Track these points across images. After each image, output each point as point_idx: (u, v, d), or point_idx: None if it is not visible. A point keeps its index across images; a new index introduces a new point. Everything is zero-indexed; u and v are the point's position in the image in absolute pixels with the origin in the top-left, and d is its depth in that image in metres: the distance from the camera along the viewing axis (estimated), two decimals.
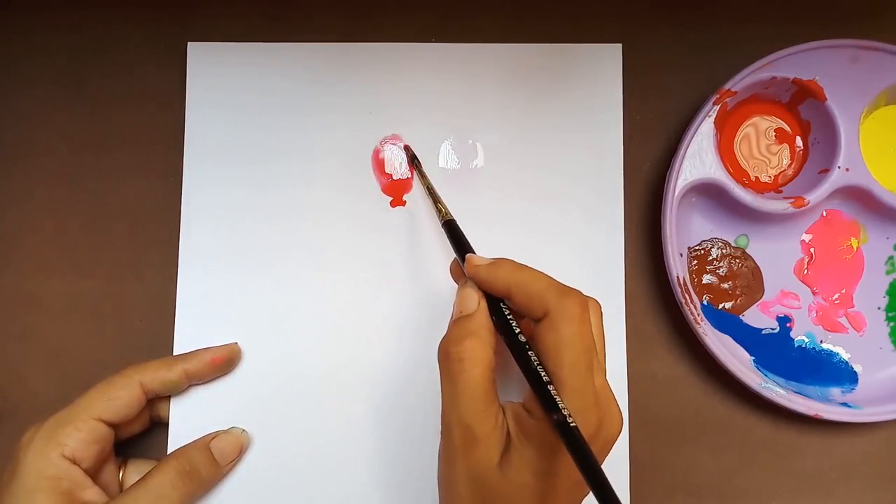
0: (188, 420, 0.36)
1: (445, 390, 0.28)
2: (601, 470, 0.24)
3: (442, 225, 0.34)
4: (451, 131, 0.39)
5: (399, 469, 0.37)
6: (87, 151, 0.40)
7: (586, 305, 0.28)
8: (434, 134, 0.39)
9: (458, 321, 0.29)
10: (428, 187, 0.37)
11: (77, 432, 0.32)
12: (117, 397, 0.33)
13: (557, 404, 0.25)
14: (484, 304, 0.29)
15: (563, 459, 0.26)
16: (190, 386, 0.36)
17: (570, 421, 0.25)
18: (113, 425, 0.33)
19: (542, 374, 0.27)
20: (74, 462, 0.32)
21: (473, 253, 0.31)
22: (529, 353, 0.27)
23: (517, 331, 0.28)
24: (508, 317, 0.29)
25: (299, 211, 0.39)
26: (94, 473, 0.33)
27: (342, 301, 0.38)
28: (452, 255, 0.32)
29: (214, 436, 0.35)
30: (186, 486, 0.33)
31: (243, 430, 0.36)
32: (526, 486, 0.27)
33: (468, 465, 0.27)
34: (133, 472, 0.35)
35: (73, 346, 0.39)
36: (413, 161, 0.39)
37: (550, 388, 0.26)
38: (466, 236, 0.33)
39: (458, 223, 0.34)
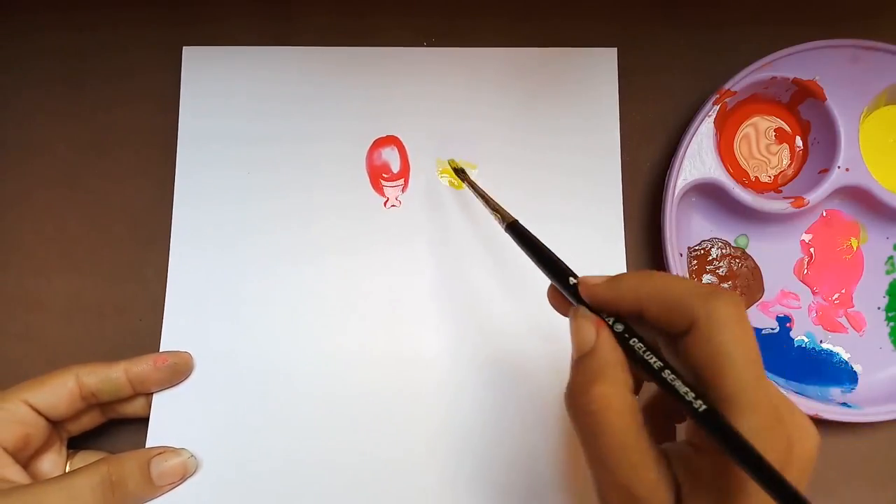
0: (170, 416, 0.35)
1: (586, 450, 0.23)
2: None
3: (505, 229, 0.30)
4: (448, 135, 0.39)
5: (387, 470, 0.36)
6: (87, 151, 0.40)
7: (741, 304, 0.23)
8: (432, 137, 0.39)
9: (579, 363, 0.24)
10: (482, 195, 0.33)
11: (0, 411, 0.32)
12: (48, 383, 0.33)
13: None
14: (605, 332, 0.24)
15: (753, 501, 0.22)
16: (137, 395, 0.35)
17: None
18: (43, 414, 0.33)
19: (693, 399, 0.22)
20: None
21: (563, 263, 0.27)
22: (674, 381, 0.22)
23: (652, 359, 0.23)
24: (639, 347, 0.24)
25: (294, 213, 0.38)
26: (22, 458, 0.32)
27: (335, 302, 0.38)
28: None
29: (161, 452, 0.34)
30: (106, 497, 0.31)
31: (192, 456, 0.35)
32: None
33: None
34: (80, 463, 0.34)
35: (73, 346, 0.39)
36: (460, 174, 0.37)
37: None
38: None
39: (522, 224, 0.29)
